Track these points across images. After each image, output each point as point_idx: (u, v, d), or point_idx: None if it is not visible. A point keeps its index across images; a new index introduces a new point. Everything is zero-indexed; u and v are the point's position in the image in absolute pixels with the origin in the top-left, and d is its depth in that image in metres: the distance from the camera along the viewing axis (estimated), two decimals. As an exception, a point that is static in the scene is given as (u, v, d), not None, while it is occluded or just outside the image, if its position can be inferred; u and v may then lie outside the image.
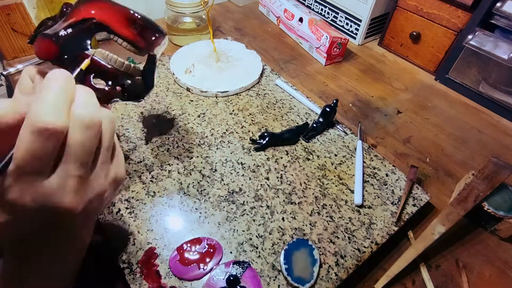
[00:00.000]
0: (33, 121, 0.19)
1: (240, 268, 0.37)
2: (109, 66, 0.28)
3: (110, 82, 0.28)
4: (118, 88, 0.29)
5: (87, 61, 0.26)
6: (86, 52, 0.26)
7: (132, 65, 0.30)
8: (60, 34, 0.26)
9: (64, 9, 0.28)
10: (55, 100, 0.20)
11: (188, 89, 0.60)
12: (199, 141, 0.51)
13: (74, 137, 0.20)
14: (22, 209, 0.20)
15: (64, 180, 0.21)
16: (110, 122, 0.23)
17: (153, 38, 0.30)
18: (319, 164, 0.49)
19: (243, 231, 0.41)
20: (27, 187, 0.20)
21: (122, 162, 0.26)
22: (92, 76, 0.27)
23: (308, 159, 0.50)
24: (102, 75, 0.28)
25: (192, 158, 0.48)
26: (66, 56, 0.26)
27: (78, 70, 0.25)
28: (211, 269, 0.36)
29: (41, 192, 0.20)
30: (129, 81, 0.30)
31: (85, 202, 0.22)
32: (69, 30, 0.26)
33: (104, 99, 0.27)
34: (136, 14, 0.29)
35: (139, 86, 0.31)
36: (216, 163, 0.48)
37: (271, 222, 0.42)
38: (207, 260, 0.37)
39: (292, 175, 0.47)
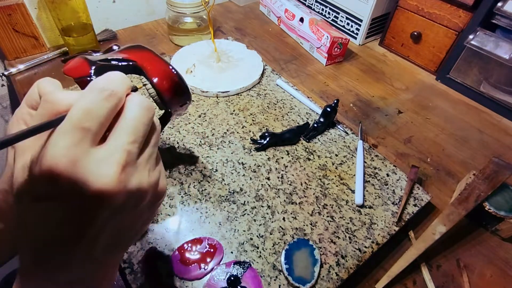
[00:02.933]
0: (95, 82, 0.19)
1: (241, 268, 0.37)
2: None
3: None
4: None
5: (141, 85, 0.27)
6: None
7: None
8: (97, 60, 0.27)
9: (113, 47, 0.29)
10: (118, 75, 0.20)
11: (189, 89, 0.60)
12: (200, 141, 0.51)
13: (132, 110, 0.20)
14: (59, 177, 0.17)
15: (113, 151, 0.18)
16: (159, 129, 0.23)
17: (179, 96, 0.31)
18: (320, 164, 0.49)
19: (244, 231, 0.41)
20: (73, 147, 0.17)
21: (164, 176, 0.24)
22: None
23: (309, 159, 0.50)
24: None
25: (192, 158, 0.49)
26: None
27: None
28: (211, 269, 0.36)
29: (86, 159, 0.17)
30: None
31: (127, 190, 0.19)
32: (106, 62, 0.28)
33: None
34: (173, 70, 0.30)
35: None
36: (217, 163, 0.48)
37: (272, 222, 0.42)
38: (208, 260, 0.37)
39: (293, 175, 0.47)
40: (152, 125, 0.21)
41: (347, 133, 0.54)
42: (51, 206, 0.18)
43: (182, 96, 0.31)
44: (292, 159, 0.50)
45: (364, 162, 0.50)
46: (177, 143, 0.50)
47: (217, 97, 0.59)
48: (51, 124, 0.18)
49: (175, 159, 0.48)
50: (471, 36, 0.61)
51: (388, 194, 0.46)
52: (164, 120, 0.34)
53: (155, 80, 0.29)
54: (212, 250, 0.38)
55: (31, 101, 0.23)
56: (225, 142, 0.51)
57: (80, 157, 0.17)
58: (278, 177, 0.47)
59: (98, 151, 0.18)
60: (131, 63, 0.29)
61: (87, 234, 0.19)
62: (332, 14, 0.83)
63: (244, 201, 0.44)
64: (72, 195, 0.17)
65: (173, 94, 0.31)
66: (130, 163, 0.19)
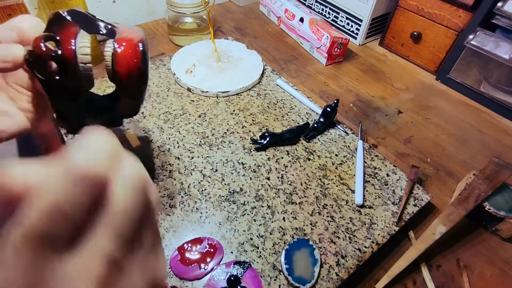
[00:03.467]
0: (68, 164, 0.12)
1: (241, 268, 0.37)
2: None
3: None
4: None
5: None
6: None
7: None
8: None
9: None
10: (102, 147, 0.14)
11: (189, 89, 0.60)
12: (200, 141, 0.51)
13: (121, 196, 0.13)
14: None
15: (93, 260, 0.12)
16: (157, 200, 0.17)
17: (137, 79, 0.28)
18: (320, 164, 0.49)
19: (244, 231, 0.41)
20: (32, 262, 0.11)
21: (164, 261, 0.17)
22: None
23: (309, 159, 0.50)
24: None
25: (193, 158, 0.49)
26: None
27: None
28: (212, 269, 0.36)
29: (60, 273, 0.12)
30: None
31: None
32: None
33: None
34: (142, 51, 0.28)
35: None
36: (217, 163, 0.48)
37: (272, 222, 0.42)
38: (208, 260, 0.37)
39: (293, 175, 0.47)
40: (147, 205, 0.15)
41: (347, 133, 0.54)
42: None
43: (139, 80, 0.29)
44: (292, 159, 0.50)
45: (364, 162, 0.50)
46: (177, 143, 0.50)
47: (217, 97, 0.59)
48: None
49: (175, 159, 0.48)
50: (471, 36, 0.61)
51: (388, 194, 0.46)
52: (112, 100, 0.30)
53: (119, 49, 0.27)
54: (212, 250, 0.38)
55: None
56: (225, 142, 0.51)
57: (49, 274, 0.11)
58: (278, 177, 0.47)
59: (72, 262, 0.12)
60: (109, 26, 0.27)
61: None
62: (332, 14, 0.83)
63: (244, 201, 0.44)
64: None
65: (131, 73, 0.28)
66: (114, 275, 0.13)
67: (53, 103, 0.28)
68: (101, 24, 0.28)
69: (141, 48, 0.27)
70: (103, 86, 0.57)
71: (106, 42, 0.28)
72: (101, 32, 0.28)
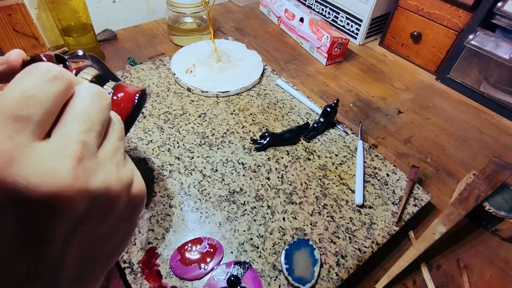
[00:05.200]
0: (38, 64, 0.15)
1: (241, 269, 0.37)
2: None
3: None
4: None
5: (95, 72, 0.25)
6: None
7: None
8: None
9: (78, 52, 0.27)
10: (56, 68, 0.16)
11: (189, 89, 0.60)
12: (200, 141, 0.51)
13: (83, 95, 0.16)
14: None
15: (64, 143, 0.14)
16: (120, 122, 0.18)
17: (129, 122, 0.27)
18: (320, 164, 0.49)
19: (244, 231, 0.41)
20: (7, 140, 0.13)
21: (140, 176, 0.19)
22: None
23: (309, 159, 0.50)
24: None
25: (193, 158, 0.49)
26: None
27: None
28: (212, 269, 0.36)
29: (27, 155, 0.13)
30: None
31: (89, 189, 0.14)
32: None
33: None
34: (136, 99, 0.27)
35: None
36: (217, 163, 0.48)
37: (272, 222, 0.42)
38: (208, 260, 0.37)
39: (293, 175, 0.47)
40: (110, 118, 0.18)
41: (347, 133, 0.54)
42: None
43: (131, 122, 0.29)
44: (292, 159, 0.50)
45: (364, 162, 0.50)
46: (177, 143, 0.50)
47: (217, 97, 0.59)
48: None
49: (175, 159, 0.48)
50: (471, 36, 0.61)
51: (388, 194, 0.46)
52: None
53: (115, 96, 0.27)
54: (212, 250, 0.38)
55: None
56: (225, 142, 0.51)
57: (17, 153, 0.13)
58: (278, 177, 0.47)
59: (43, 146, 0.14)
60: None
61: (43, 259, 0.14)
62: (332, 14, 0.83)
63: (244, 201, 0.44)
64: (12, 204, 0.13)
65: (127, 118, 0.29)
66: (88, 156, 0.15)
67: None
68: (115, 76, 0.28)
69: (136, 100, 0.27)
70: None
71: (109, 82, 0.27)
72: (110, 79, 0.28)
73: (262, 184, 0.46)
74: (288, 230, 0.41)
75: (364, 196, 0.45)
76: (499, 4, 0.57)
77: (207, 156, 0.49)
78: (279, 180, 0.47)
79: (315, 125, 0.54)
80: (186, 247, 0.38)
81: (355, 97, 0.65)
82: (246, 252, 0.39)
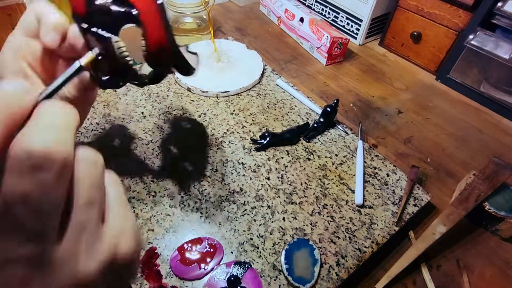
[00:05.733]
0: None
1: (241, 269, 0.37)
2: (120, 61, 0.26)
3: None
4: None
5: (90, 56, 0.23)
6: (107, 36, 0.23)
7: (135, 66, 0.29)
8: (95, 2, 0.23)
9: None
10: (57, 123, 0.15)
11: (189, 89, 0.60)
12: (200, 141, 0.51)
13: (83, 171, 0.15)
14: None
15: (79, 235, 0.14)
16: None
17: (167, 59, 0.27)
18: (320, 164, 0.49)
19: (244, 231, 0.41)
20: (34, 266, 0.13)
21: (128, 240, 0.17)
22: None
23: (309, 159, 0.50)
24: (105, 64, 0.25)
25: (192, 158, 0.48)
26: (89, 26, 0.23)
27: (77, 65, 0.22)
28: (212, 269, 0.36)
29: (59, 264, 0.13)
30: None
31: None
32: (108, 4, 0.23)
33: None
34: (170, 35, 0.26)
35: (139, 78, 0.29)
36: (216, 163, 0.48)
37: (272, 222, 0.42)
38: (208, 260, 0.37)
39: (293, 175, 0.47)
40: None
41: (347, 133, 0.54)
42: None
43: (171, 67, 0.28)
44: (292, 159, 0.50)
45: (364, 162, 0.50)
46: (177, 143, 0.50)
47: (217, 97, 0.59)
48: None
49: (175, 159, 0.48)
50: (471, 36, 0.61)
51: (388, 194, 0.46)
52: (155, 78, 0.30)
53: (153, 34, 0.25)
54: (212, 250, 0.38)
55: (28, 28, 0.20)
56: (225, 142, 0.51)
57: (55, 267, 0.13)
58: (278, 177, 0.47)
59: (64, 244, 0.14)
60: (133, 13, 0.24)
61: None
62: (332, 14, 0.83)
63: (244, 201, 0.44)
64: None
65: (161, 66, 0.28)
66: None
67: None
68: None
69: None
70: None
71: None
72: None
73: (262, 184, 0.46)
74: (288, 230, 0.41)
75: (364, 196, 0.45)
76: (499, 4, 0.57)
77: (207, 156, 0.49)
78: (279, 180, 0.47)
79: (315, 125, 0.54)
80: (186, 247, 0.38)
81: (355, 97, 0.65)
82: (246, 252, 0.39)
